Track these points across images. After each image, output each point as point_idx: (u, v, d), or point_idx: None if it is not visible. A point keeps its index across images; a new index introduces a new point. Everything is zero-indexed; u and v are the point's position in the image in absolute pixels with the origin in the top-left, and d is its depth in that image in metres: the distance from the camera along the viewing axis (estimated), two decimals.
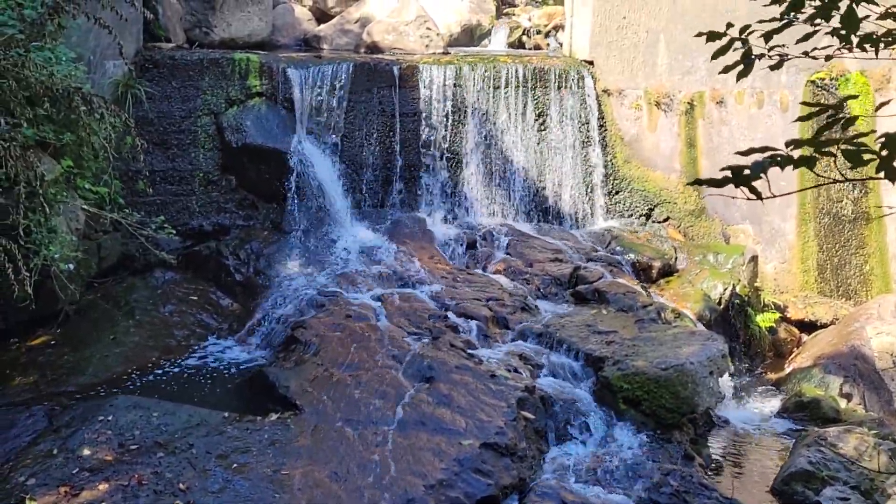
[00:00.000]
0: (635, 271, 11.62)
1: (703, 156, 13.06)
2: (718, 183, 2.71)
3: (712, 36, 4.41)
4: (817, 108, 3.43)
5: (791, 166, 2.75)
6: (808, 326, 12.71)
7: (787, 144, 2.74)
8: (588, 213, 12.76)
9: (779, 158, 2.63)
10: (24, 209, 7.57)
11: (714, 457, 8.90)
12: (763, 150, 2.73)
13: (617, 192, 12.91)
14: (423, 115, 12.03)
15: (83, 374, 8.77)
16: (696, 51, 12.95)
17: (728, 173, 2.66)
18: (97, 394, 8.40)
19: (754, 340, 11.89)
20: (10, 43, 7.69)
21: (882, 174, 2.65)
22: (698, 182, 2.84)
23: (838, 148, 2.68)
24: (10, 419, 7.62)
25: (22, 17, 8.14)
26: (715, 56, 4.55)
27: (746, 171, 2.57)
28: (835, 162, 2.80)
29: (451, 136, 12.15)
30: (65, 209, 8.58)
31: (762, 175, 2.54)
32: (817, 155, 2.75)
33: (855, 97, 11.50)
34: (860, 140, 2.74)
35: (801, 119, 3.57)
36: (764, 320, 11.99)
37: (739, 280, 11.69)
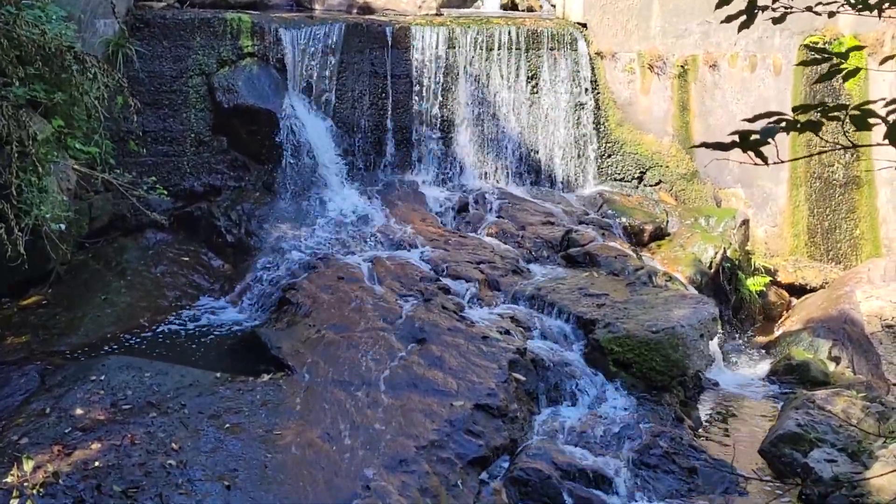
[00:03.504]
0: (627, 235, 11.64)
1: (696, 119, 13.06)
2: (725, 147, 2.72)
3: None
4: (820, 57, 3.41)
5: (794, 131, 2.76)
6: (798, 290, 12.79)
7: (795, 109, 2.75)
8: (580, 176, 12.75)
9: (784, 123, 2.63)
10: (16, 169, 7.54)
11: (704, 419, 8.97)
12: (770, 115, 2.73)
13: (609, 156, 12.90)
14: (416, 76, 11.97)
15: (75, 334, 8.77)
16: (690, 14, 12.91)
17: (736, 137, 2.66)
18: (89, 354, 8.41)
19: (744, 304, 11.96)
20: (1, 1, 7.62)
21: (887, 141, 2.66)
22: (705, 145, 2.84)
23: (846, 114, 2.69)
24: (2, 378, 7.64)
25: None
26: (719, 5, 4.53)
27: (755, 136, 2.57)
28: (842, 126, 2.79)
29: (443, 99, 12.10)
30: (56, 169, 8.55)
31: (770, 140, 2.55)
32: (823, 120, 2.76)
33: (861, 47, 11.32)
34: (867, 107, 2.74)
35: (803, 63, 3.55)
36: (754, 284, 12.04)
37: (730, 244, 11.72)
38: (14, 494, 5.93)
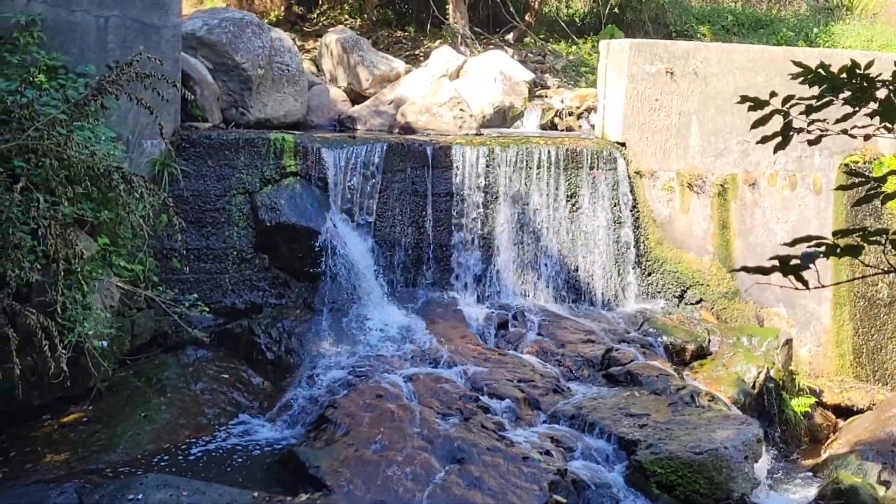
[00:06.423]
0: (668, 353, 11.53)
1: (736, 237, 13.05)
2: (766, 271, 2.72)
3: (755, 104, 4.42)
4: (857, 181, 3.42)
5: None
6: (845, 411, 12.55)
7: (835, 234, 2.75)
8: (620, 294, 12.72)
9: (824, 248, 2.63)
10: (62, 287, 7.65)
11: None
12: (809, 238, 2.73)
13: (649, 274, 12.88)
14: (456, 195, 12.09)
15: (114, 451, 8.74)
16: (729, 133, 13.01)
17: (776, 262, 2.67)
18: (128, 472, 8.37)
19: (789, 425, 11.74)
20: (53, 123, 7.84)
21: None
22: (745, 269, 2.85)
23: (887, 238, 2.69)
24: (40, 497, 7.61)
25: (66, 97, 8.31)
26: (754, 126, 4.56)
27: (795, 261, 2.57)
28: (884, 251, 2.79)
29: (482, 217, 12.19)
30: (100, 286, 8.66)
31: (811, 265, 2.55)
32: (864, 244, 2.76)
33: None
34: None
35: (841, 188, 3.57)
36: (799, 405, 11.84)
37: (774, 363, 11.57)
38: None
